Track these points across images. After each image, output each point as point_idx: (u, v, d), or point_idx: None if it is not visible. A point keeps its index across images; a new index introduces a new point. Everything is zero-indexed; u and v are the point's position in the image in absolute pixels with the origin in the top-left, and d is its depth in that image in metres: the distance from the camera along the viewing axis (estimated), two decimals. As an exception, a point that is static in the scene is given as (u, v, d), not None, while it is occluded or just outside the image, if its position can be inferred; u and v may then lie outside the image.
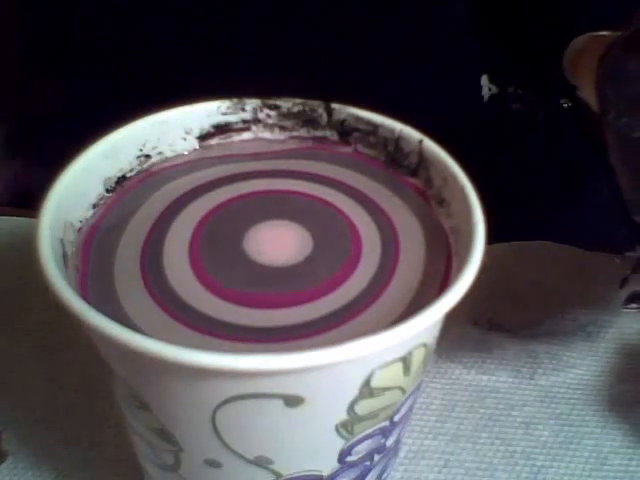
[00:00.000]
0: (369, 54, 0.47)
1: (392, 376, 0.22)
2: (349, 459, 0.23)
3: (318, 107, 0.28)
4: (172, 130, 0.28)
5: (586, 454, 0.33)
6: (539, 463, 0.33)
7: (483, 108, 0.51)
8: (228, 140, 0.29)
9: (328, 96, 0.28)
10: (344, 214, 0.26)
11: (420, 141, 0.26)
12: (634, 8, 0.25)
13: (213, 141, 0.29)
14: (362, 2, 0.47)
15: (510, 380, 0.36)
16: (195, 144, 0.28)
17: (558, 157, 0.54)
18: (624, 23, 0.25)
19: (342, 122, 0.28)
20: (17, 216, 0.42)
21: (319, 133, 0.29)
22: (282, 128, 0.29)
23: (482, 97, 0.50)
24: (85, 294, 0.23)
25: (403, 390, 0.23)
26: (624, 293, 0.32)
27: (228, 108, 0.28)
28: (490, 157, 0.49)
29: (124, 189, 0.27)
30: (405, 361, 0.21)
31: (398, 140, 0.27)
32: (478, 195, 0.24)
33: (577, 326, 0.38)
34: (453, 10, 0.48)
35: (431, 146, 0.26)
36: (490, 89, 0.50)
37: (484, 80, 0.50)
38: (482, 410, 0.34)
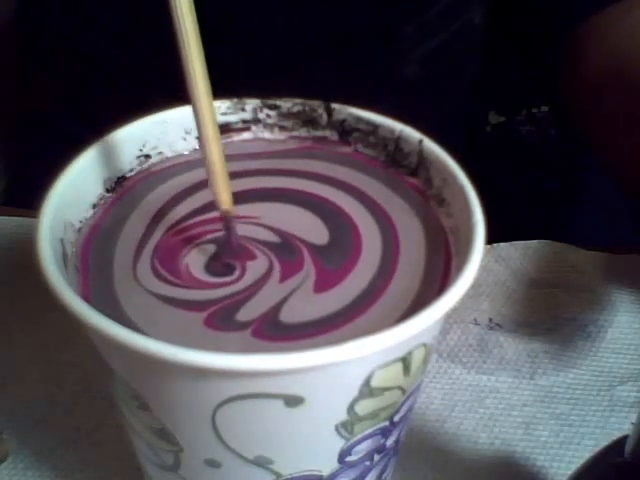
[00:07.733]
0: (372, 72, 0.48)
1: (392, 376, 0.21)
2: (349, 459, 0.23)
3: (318, 107, 0.28)
4: (172, 130, 0.28)
5: (586, 454, 0.33)
6: (539, 463, 0.33)
7: (488, 134, 0.52)
8: (228, 140, 0.29)
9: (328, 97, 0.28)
10: (345, 213, 0.26)
11: (420, 141, 0.26)
12: None
13: (213, 141, 0.29)
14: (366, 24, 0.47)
15: (510, 380, 0.36)
16: (195, 144, 0.28)
17: (558, 158, 0.54)
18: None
19: (342, 122, 0.28)
20: (17, 216, 0.42)
21: (319, 133, 0.29)
22: (282, 128, 0.29)
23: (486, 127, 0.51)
24: (85, 294, 0.23)
25: (403, 390, 0.23)
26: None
27: (228, 108, 0.28)
28: (491, 159, 0.49)
29: (124, 189, 0.27)
30: (405, 361, 0.21)
31: (398, 140, 0.27)
32: (478, 195, 0.24)
33: (577, 326, 0.38)
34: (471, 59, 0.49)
35: (431, 146, 0.26)
36: (498, 121, 0.51)
37: (492, 115, 0.51)
38: (482, 410, 0.34)
